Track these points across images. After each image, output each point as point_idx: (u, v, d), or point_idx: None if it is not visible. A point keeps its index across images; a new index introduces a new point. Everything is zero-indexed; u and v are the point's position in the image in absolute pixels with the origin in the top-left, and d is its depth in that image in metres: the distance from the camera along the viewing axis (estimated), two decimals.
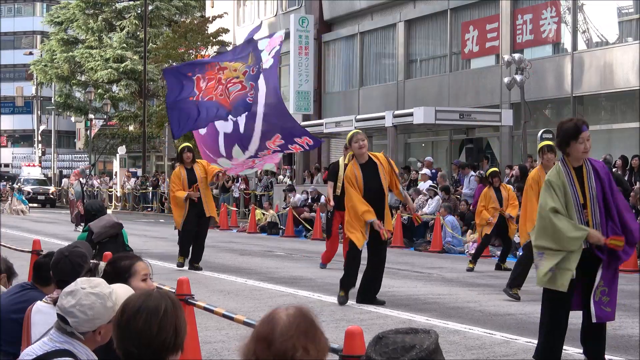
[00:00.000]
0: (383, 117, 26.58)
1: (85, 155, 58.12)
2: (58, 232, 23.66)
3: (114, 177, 49.35)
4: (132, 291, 3.76)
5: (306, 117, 36.72)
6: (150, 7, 49.81)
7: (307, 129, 30.98)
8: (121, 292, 3.67)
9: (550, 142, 11.15)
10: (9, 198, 41.16)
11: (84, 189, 26.26)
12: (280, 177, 33.81)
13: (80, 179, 28.52)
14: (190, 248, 14.51)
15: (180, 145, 15.14)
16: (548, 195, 6.71)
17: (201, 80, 13.28)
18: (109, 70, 51.49)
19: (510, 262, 16.18)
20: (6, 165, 71.18)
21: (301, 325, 2.50)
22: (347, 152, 13.80)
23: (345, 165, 10.75)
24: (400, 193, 10.85)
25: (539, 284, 6.80)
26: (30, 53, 65.91)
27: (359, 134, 10.55)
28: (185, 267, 14.41)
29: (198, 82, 13.26)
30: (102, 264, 5.07)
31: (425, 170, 23.70)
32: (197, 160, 14.48)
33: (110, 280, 3.90)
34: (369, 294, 10.56)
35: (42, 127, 68.67)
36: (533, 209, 10.80)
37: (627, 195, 16.90)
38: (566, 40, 27.21)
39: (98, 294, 3.53)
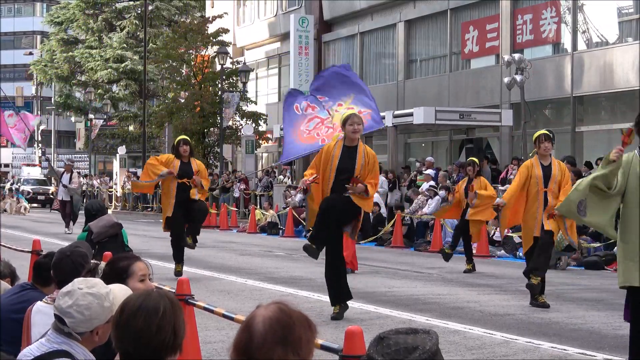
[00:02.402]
0: (383, 117, 26.55)
1: (86, 155, 58.10)
2: (58, 232, 23.65)
3: (114, 176, 49.32)
4: (130, 291, 3.76)
5: None
6: (150, 7, 49.82)
7: None
8: (119, 292, 3.67)
9: (546, 131, 11.06)
10: (9, 198, 41.16)
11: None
12: (281, 177, 33.82)
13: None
14: (183, 252, 13.48)
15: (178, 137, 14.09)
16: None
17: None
18: (109, 70, 51.52)
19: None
20: (6, 165, 71.14)
21: (278, 332, 2.43)
22: None
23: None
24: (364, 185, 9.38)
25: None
26: (30, 53, 65.96)
27: (356, 117, 9.55)
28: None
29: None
30: (102, 264, 5.06)
31: (430, 171, 23.70)
32: (194, 157, 13.63)
33: (108, 281, 3.90)
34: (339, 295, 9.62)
35: (42, 127, 68.67)
36: (529, 199, 10.68)
37: None
38: (566, 40, 27.21)
39: (95, 294, 3.52)
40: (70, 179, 24.97)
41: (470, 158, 15.87)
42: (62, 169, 25.95)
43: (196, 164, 13.43)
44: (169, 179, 13.13)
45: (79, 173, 27.93)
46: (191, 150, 13.52)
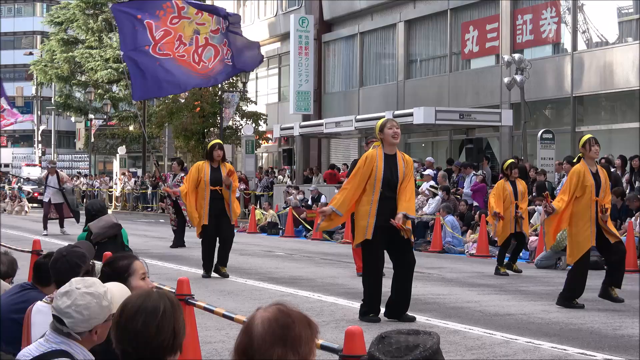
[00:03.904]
0: (383, 117, 26.56)
1: (85, 155, 58.10)
2: (58, 232, 23.64)
3: (114, 177, 49.33)
4: (127, 290, 3.76)
5: (306, 117, 36.74)
6: None
7: (308, 129, 31.19)
8: (116, 291, 3.67)
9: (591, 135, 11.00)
10: (11, 197, 41.18)
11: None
12: (280, 177, 33.83)
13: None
14: (215, 254, 13.52)
15: (212, 141, 14.04)
16: None
17: (154, 29, 11.81)
18: (109, 70, 51.50)
19: (519, 264, 16.18)
20: (6, 165, 71.18)
21: (277, 332, 2.44)
22: (369, 147, 12.61)
23: None
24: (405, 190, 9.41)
25: None
26: (30, 53, 65.94)
27: (394, 120, 9.45)
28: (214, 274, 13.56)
29: (151, 29, 11.78)
30: (99, 265, 5.06)
31: (429, 171, 23.70)
32: (225, 162, 13.60)
33: (108, 281, 3.90)
34: (397, 309, 9.30)
35: (42, 127, 68.68)
36: (579, 207, 10.38)
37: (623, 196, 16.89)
38: (566, 40, 27.22)
39: (93, 294, 3.52)
40: (59, 180, 23.63)
41: (510, 160, 15.70)
42: (46, 172, 24.70)
43: (226, 167, 13.45)
44: (203, 186, 13.18)
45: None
46: (224, 154, 13.59)
